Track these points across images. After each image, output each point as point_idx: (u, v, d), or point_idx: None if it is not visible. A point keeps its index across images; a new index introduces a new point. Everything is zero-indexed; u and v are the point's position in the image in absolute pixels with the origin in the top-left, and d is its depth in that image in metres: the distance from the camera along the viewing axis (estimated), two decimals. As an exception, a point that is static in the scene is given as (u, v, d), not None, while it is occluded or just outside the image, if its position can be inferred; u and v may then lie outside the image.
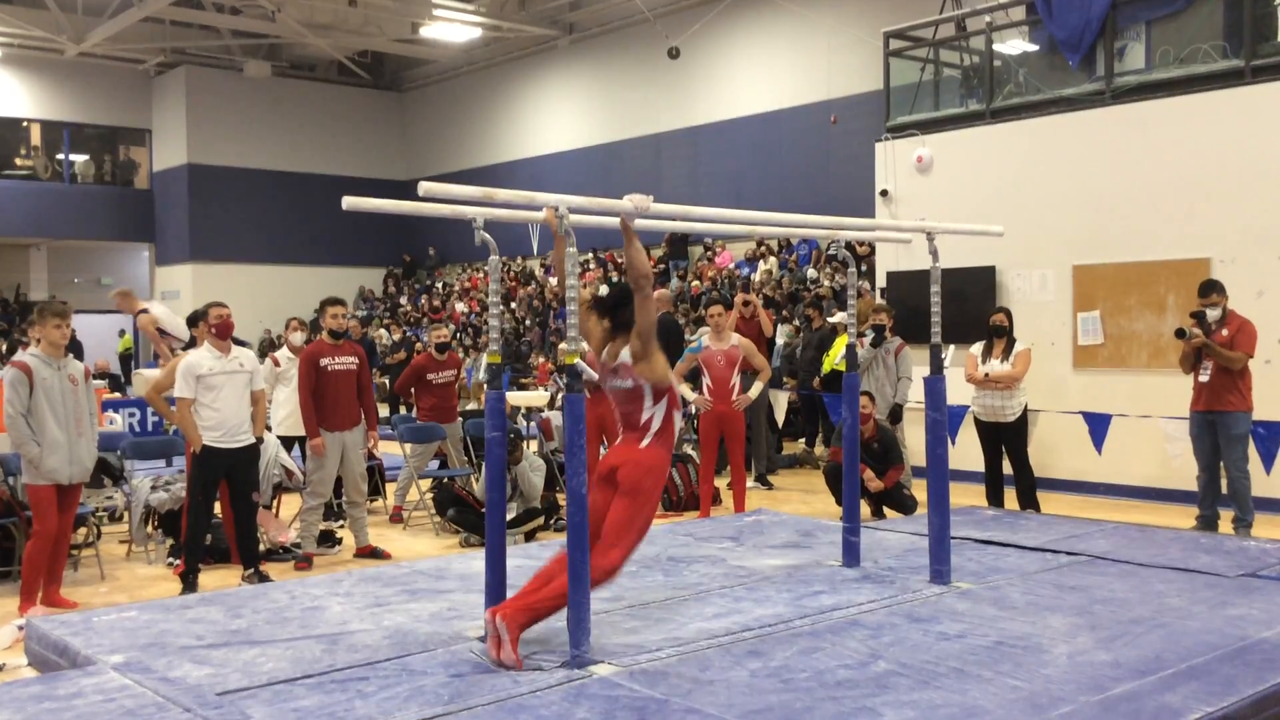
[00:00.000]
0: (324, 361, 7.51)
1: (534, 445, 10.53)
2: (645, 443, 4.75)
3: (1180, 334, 7.82)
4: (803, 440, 12.93)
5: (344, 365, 7.59)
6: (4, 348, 22.12)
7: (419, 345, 16.52)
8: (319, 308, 8.10)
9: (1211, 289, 7.82)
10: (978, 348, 8.79)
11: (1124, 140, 9.68)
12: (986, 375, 8.55)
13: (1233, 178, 9.06)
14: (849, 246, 6.57)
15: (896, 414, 9.17)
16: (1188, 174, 9.30)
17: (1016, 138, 10.46)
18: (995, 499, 8.70)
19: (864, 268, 14.42)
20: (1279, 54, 9.09)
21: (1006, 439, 8.62)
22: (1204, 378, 7.77)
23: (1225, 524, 7.84)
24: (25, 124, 26.99)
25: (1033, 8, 10.54)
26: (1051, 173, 10.16)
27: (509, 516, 6.95)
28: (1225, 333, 7.71)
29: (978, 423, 8.74)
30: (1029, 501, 8.59)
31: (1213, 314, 7.76)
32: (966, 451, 9.33)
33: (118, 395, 15.54)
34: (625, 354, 4.77)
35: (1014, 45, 11.27)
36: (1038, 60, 10.88)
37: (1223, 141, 9.12)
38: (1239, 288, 8.45)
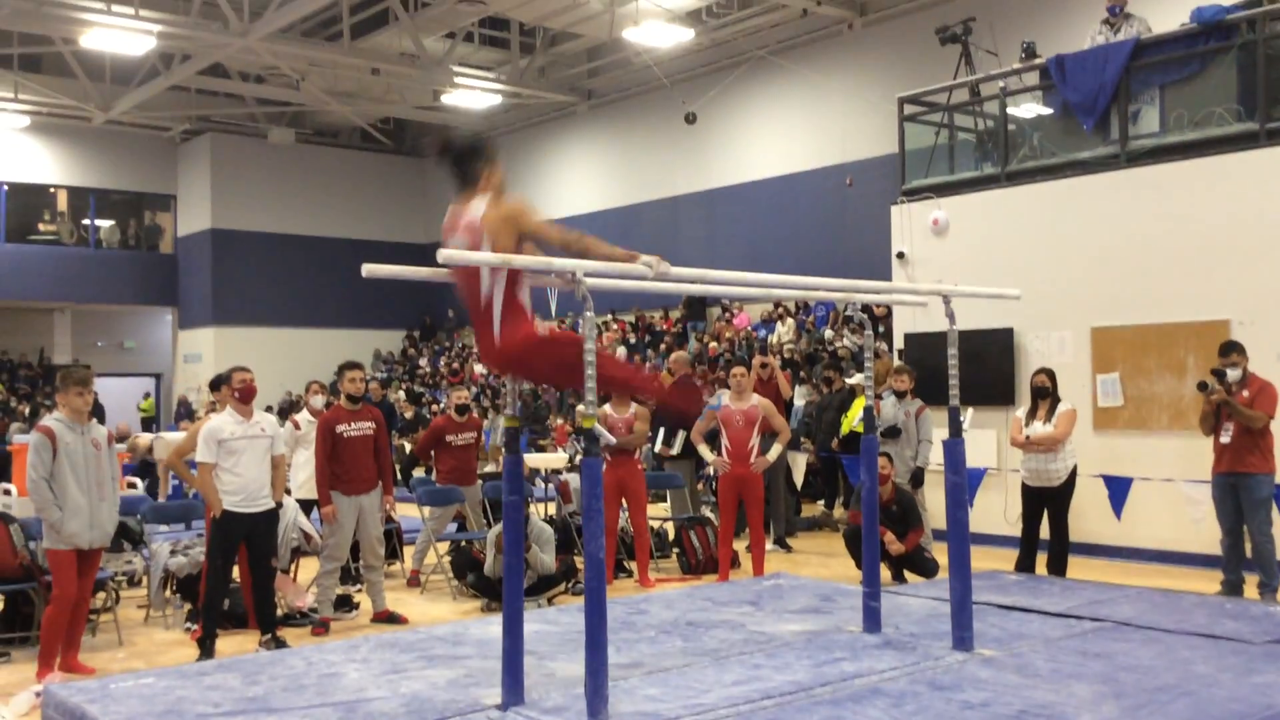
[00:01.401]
0: (340, 428, 7.55)
1: (551, 508, 10.51)
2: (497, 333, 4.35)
3: (1202, 387, 7.78)
4: (821, 502, 12.85)
5: (361, 430, 7.62)
6: (28, 411, 22.28)
7: (435, 407, 16.58)
8: (337, 372, 8.16)
9: (1232, 349, 7.79)
10: (1022, 411, 8.73)
11: (1140, 203, 9.71)
12: (1028, 438, 8.46)
13: (1250, 239, 9.06)
14: (866, 308, 6.60)
15: (918, 478, 9.11)
16: (1204, 236, 9.31)
17: (1032, 201, 10.50)
18: (1027, 565, 8.55)
19: (881, 329, 14.43)
20: (1293, 117, 9.15)
21: (1050, 503, 8.47)
22: (1225, 439, 7.71)
23: (1251, 588, 7.73)
24: (52, 190, 27.43)
25: (1046, 72, 10.63)
26: (1068, 235, 10.18)
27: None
28: (1246, 394, 7.65)
29: (1024, 488, 8.61)
30: (1059, 569, 8.46)
31: (1233, 374, 7.72)
32: (987, 514, 9.26)
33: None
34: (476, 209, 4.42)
35: (1028, 109, 11.35)
36: (1052, 124, 10.94)
37: (1239, 203, 9.13)
38: (1259, 349, 8.41)
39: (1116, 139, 10.04)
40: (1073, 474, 8.45)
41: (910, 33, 17.19)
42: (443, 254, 4.27)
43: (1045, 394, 8.57)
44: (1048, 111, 11.04)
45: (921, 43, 14.88)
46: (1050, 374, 8.73)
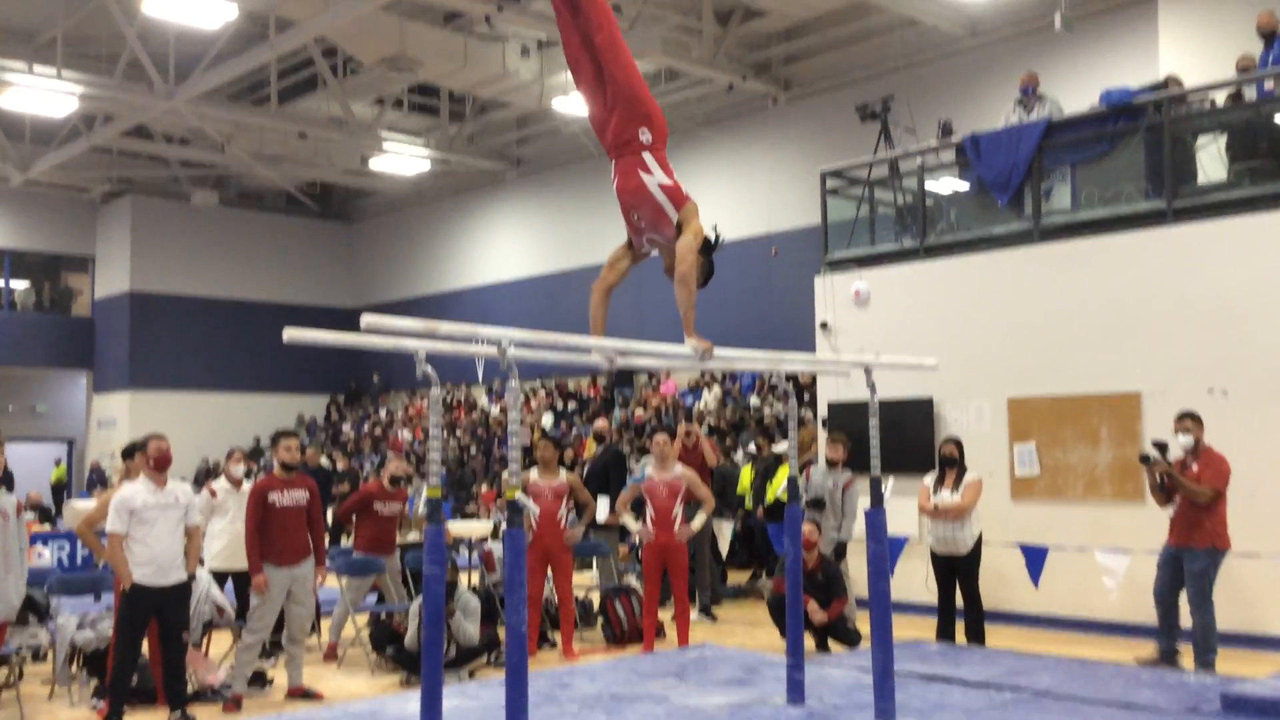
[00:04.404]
0: (272, 497, 7.40)
1: (475, 577, 10.37)
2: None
3: (1144, 459, 7.71)
4: (750, 573, 12.86)
5: (294, 500, 7.48)
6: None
7: (365, 475, 16.33)
8: (272, 439, 8.01)
9: (1185, 417, 7.67)
10: (930, 478, 8.85)
11: (1053, 277, 9.99)
12: (937, 506, 8.58)
13: (1159, 314, 9.34)
14: (791, 377, 6.68)
15: (840, 551, 9.13)
16: (1115, 310, 9.59)
17: (950, 274, 10.76)
18: (946, 633, 8.64)
19: (806, 397, 14.58)
20: (1199, 196, 9.49)
21: (960, 571, 8.60)
22: (1171, 512, 7.62)
23: (1188, 658, 7.62)
24: (-35, 251, 26.81)
25: (962, 150, 10.95)
26: (985, 307, 10.43)
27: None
28: (1196, 467, 7.54)
29: (933, 555, 8.73)
30: (977, 636, 8.55)
31: (1184, 440, 7.60)
32: (909, 582, 9.33)
33: (47, 527, 15.12)
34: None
35: (946, 184, 11.67)
36: (968, 199, 11.26)
37: (1148, 279, 9.43)
38: (1170, 421, 8.63)
39: (1030, 215, 10.35)
40: (978, 542, 8.59)
41: (832, 109, 17.63)
42: (366, 320, 4.26)
43: (953, 463, 8.72)
44: (964, 187, 11.37)
45: (843, 119, 15.25)
46: (958, 443, 8.90)
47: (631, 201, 4.95)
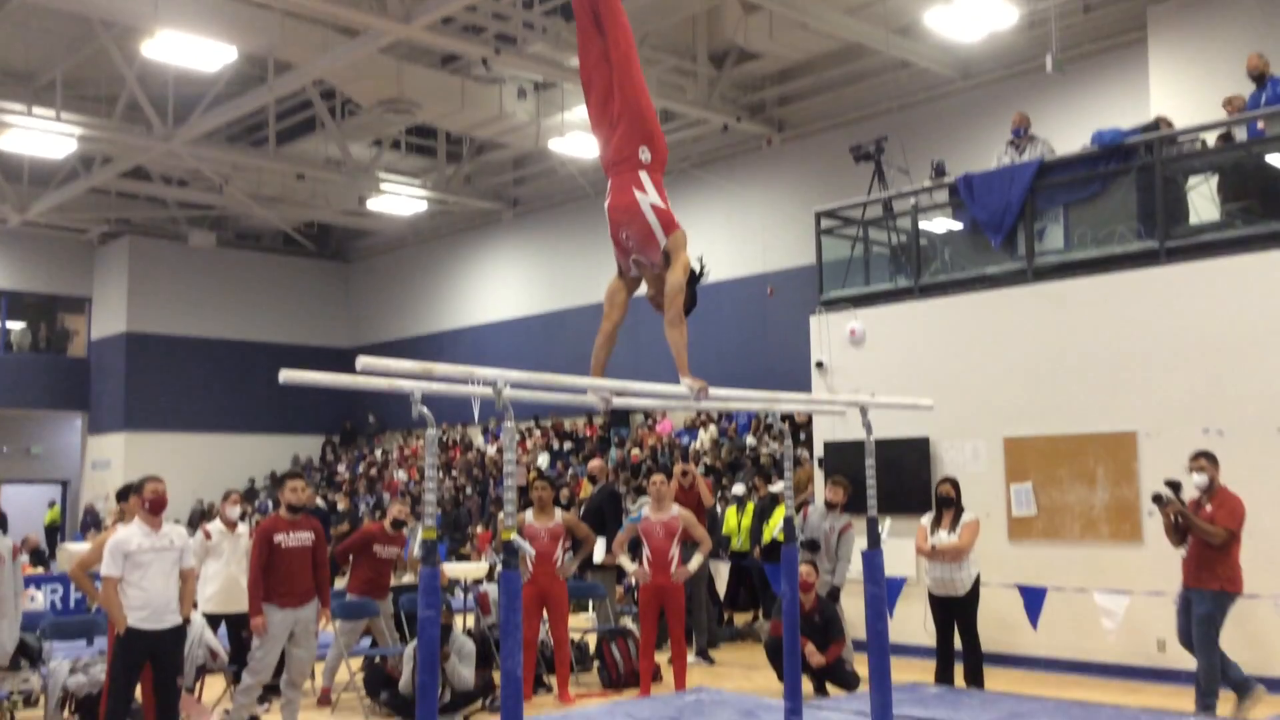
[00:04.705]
0: (278, 538, 7.37)
1: (470, 619, 10.30)
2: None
3: (1157, 499, 7.55)
4: (752, 613, 12.78)
5: (299, 541, 7.45)
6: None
7: (361, 516, 16.28)
8: (278, 480, 7.99)
9: (1200, 455, 7.54)
10: (927, 519, 8.82)
11: (1047, 317, 10.02)
12: (934, 547, 8.55)
13: (1153, 354, 9.36)
14: (787, 417, 6.68)
15: (834, 595, 9.06)
16: (1109, 350, 9.61)
17: (944, 313, 10.79)
18: (945, 676, 8.57)
19: (802, 436, 14.57)
20: (1191, 236, 9.54)
21: (957, 613, 8.55)
22: (1183, 552, 7.48)
23: (1189, 701, 7.51)
24: (-40, 291, 26.83)
25: (955, 191, 11.01)
26: (980, 347, 10.45)
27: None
28: (1209, 507, 7.39)
29: (931, 597, 8.69)
30: (975, 678, 8.48)
31: (1198, 479, 7.43)
32: (906, 624, 9.29)
33: (41, 570, 15.04)
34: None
35: (940, 224, 11.73)
36: (962, 239, 11.31)
37: (1141, 319, 9.45)
38: (1165, 462, 8.64)
39: (1024, 255, 10.39)
40: (976, 583, 8.54)
41: (825, 149, 17.75)
42: (362, 361, 4.26)
43: (949, 503, 8.68)
44: (958, 227, 11.43)
45: (836, 159, 15.34)
46: (954, 483, 8.87)
47: (621, 219, 5.01)
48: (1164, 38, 13.26)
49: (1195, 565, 7.38)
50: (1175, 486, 7.52)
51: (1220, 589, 7.30)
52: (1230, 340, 8.93)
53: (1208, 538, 7.28)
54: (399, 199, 22.77)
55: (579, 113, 18.79)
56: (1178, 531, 7.51)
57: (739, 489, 12.94)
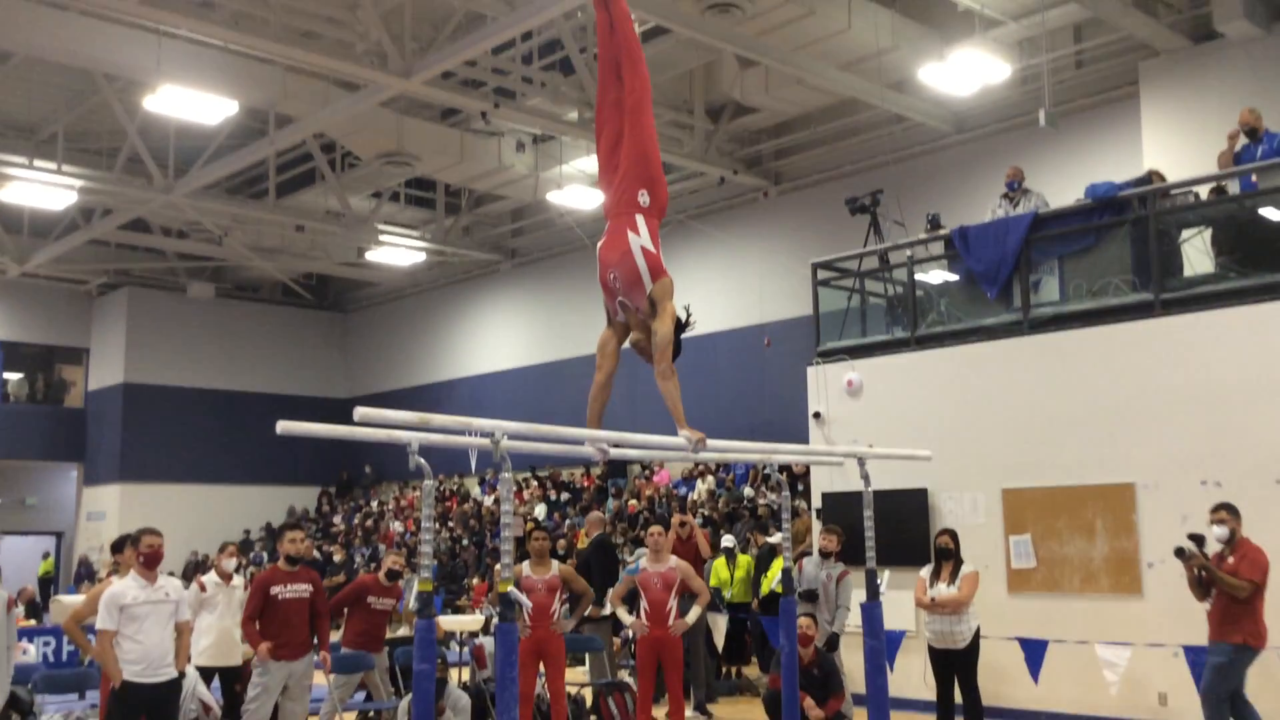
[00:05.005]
0: (275, 589, 7.35)
1: (466, 673, 10.20)
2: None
3: (1179, 553, 7.41)
4: (738, 667, 12.66)
5: (296, 593, 7.41)
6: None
7: (357, 568, 16.18)
8: (276, 532, 7.98)
9: (1221, 508, 7.41)
10: (926, 571, 8.77)
11: (1043, 368, 10.04)
12: (933, 600, 8.49)
13: (1149, 405, 9.36)
14: (785, 468, 6.67)
15: (833, 643, 9.01)
16: (1106, 401, 9.61)
17: (941, 364, 10.80)
18: (945, 732, 8.48)
19: (800, 487, 14.52)
20: (1186, 289, 9.58)
21: (958, 666, 8.46)
22: (1207, 605, 7.34)
23: None
24: (-41, 342, 26.84)
25: (951, 243, 11.08)
26: (977, 398, 10.45)
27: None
28: (1231, 560, 7.24)
29: (931, 650, 8.61)
30: (977, 733, 8.39)
31: (1219, 531, 7.30)
32: (907, 678, 9.20)
33: (33, 622, 14.91)
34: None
35: (935, 275, 11.79)
36: (958, 291, 11.35)
37: (1138, 370, 9.47)
38: (1164, 513, 8.62)
39: (1019, 306, 10.43)
40: (977, 636, 8.48)
41: (822, 201, 17.86)
42: (359, 413, 4.27)
43: (949, 555, 8.63)
44: (953, 279, 11.47)
45: (832, 211, 15.44)
46: (953, 535, 8.83)
47: (611, 259, 5.10)
48: (1156, 92, 13.42)
49: (1219, 619, 7.23)
50: (1199, 540, 7.37)
51: (1243, 642, 7.15)
52: (1227, 392, 8.94)
53: (1233, 591, 7.13)
54: (398, 250, 22.89)
55: (577, 165, 18.98)
56: (1201, 586, 7.36)
57: (728, 540, 12.85)
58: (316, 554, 21.60)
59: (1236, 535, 7.32)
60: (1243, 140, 10.00)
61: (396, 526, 23.58)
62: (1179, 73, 13.21)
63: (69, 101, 18.45)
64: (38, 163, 18.24)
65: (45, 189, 18.59)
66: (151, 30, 14.30)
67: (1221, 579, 7.15)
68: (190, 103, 15.11)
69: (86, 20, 14.39)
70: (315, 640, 7.65)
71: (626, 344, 5.33)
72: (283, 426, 4.61)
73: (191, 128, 17.70)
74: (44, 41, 14.53)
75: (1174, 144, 12.65)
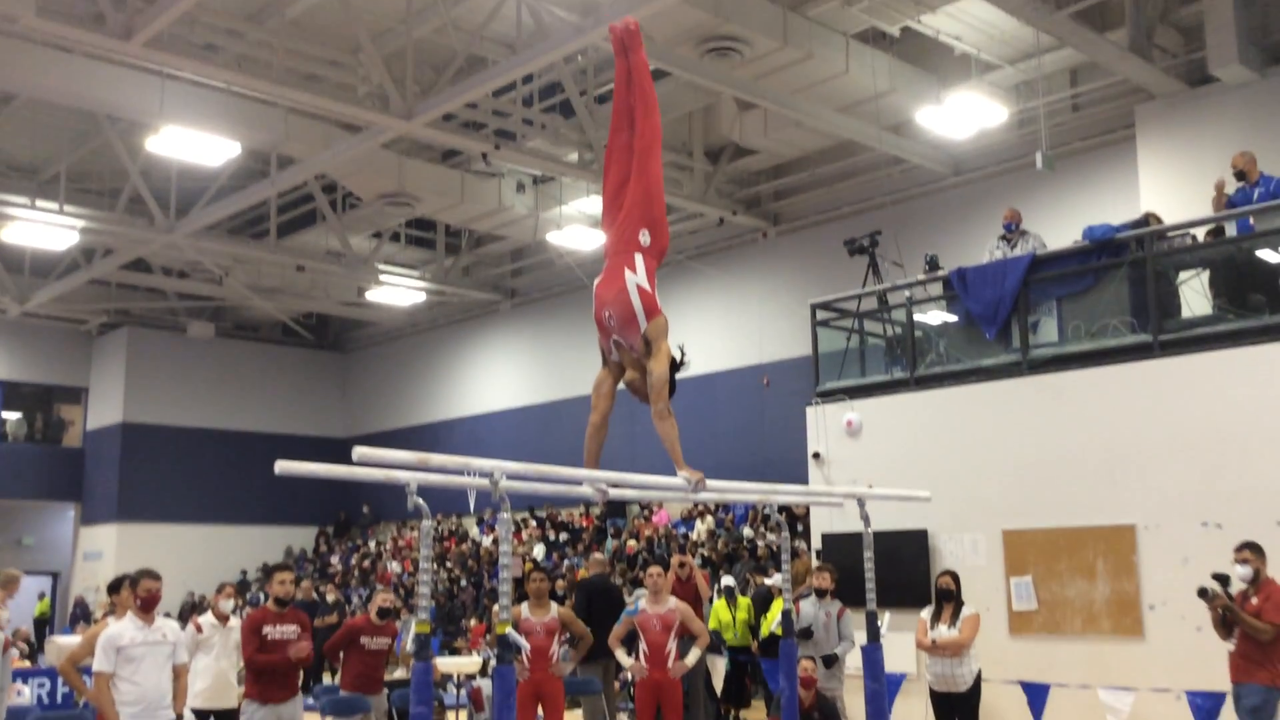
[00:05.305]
0: (265, 630, 7.31)
1: (463, 716, 10.13)
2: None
3: (1203, 594, 7.28)
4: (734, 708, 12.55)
5: (285, 635, 7.38)
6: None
7: (354, 609, 16.07)
8: (266, 572, 7.95)
9: (1245, 547, 7.30)
10: (927, 612, 8.72)
11: (1042, 409, 10.02)
12: (934, 642, 8.44)
13: (1149, 446, 9.34)
14: (784, 508, 6.66)
15: (830, 660, 8.90)
16: (1106, 442, 9.59)
17: (941, 405, 10.79)
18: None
19: (800, 528, 14.47)
20: (1184, 330, 9.60)
21: (959, 709, 8.39)
22: (1231, 646, 7.21)
23: None
24: (-40, 382, 26.83)
25: (949, 284, 11.11)
26: (976, 439, 10.43)
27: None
28: (1255, 600, 7.12)
29: (932, 693, 8.54)
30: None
31: (1242, 571, 7.20)
32: (908, 721, 9.13)
33: (28, 664, 14.79)
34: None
35: (934, 316, 11.82)
36: (957, 331, 11.37)
37: (1137, 411, 9.46)
38: (1165, 554, 8.59)
39: (1018, 347, 10.44)
40: (978, 679, 8.41)
41: (820, 242, 17.93)
42: (358, 452, 4.27)
43: (950, 596, 8.59)
44: (952, 320, 11.50)
45: (831, 252, 15.51)
46: (954, 576, 8.78)
47: (606, 296, 5.12)
48: (1152, 136, 13.53)
49: (1242, 659, 7.13)
50: (1223, 580, 7.26)
51: (1271, 684, 7.01)
52: (1226, 433, 8.93)
53: (1257, 634, 7.02)
54: (398, 290, 22.96)
55: (576, 206, 19.08)
56: (1225, 626, 7.26)
57: (728, 581, 12.78)
58: (315, 595, 21.50)
59: (1261, 575, 7.21)
60: (1235, 184, 10.07)
61: (394, 567, 23.46)
62: (1175, 116, 13.32)
63: (72, 142, 18.57)
64: (40, 203, 18.32)
65: (47, 229, 18.66)
66: (155, 72, 14.43)
67: (1245, 621, 7.05)
68: (192, 144, 15.21)
69: (90, 63, 14.52)
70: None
71: (621, 384, 5.34)
72: (281, 466, 4.60)
73: (193, 169, 17.82)
74: (48, 83, 14.66)
75: (1170, 186, 12.73)
